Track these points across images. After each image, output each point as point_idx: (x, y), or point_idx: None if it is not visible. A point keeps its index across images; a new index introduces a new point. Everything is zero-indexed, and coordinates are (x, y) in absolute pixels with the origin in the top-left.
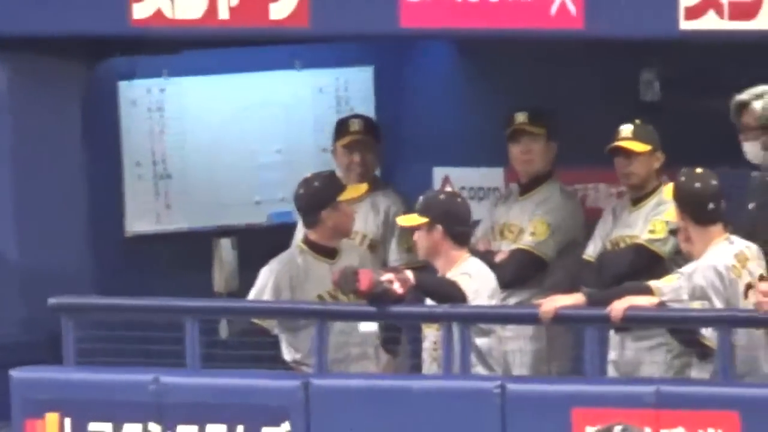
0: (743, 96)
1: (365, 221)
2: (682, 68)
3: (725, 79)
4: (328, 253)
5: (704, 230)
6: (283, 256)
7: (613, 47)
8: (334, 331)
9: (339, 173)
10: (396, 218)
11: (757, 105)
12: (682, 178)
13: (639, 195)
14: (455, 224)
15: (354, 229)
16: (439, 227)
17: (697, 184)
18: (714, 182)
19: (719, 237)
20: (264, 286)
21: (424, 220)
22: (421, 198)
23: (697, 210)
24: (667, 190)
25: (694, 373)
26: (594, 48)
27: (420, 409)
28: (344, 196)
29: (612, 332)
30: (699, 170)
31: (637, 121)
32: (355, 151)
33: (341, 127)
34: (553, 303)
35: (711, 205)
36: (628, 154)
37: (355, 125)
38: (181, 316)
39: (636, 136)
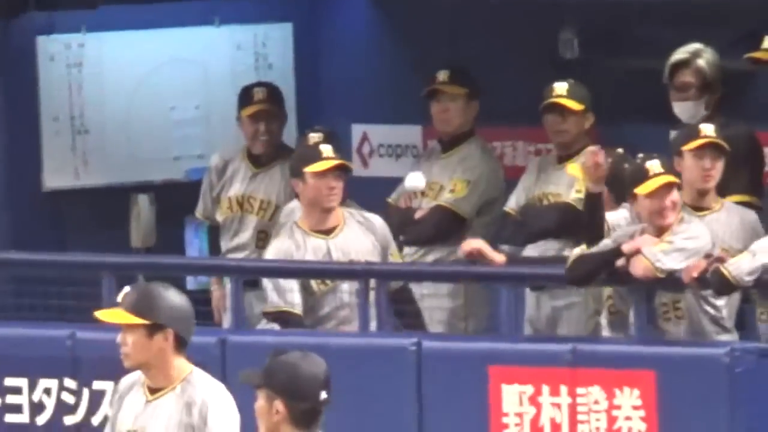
0: (680, 55)
1: (277, 190)
2: (602, 26)
3: (644, 38)
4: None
5: None
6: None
7: (533, 4)
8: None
9: (245, 142)
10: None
11: (701, 62)
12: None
13: (566, 153)
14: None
15: (261, 197)
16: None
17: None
18: None
19: None
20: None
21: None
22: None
23: None
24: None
25: (606, 332)
26: (513, 5)
27: (336, 366)
28: (311, 168)
29: (528, 290)
30: None
31: (571, 80)
32: (260, 120)
33: (245, 96)
34: (477, 244)
35: None
36: (562, 111)
37: (260, 94)
38: (98, 271)
39: (570, 94)
